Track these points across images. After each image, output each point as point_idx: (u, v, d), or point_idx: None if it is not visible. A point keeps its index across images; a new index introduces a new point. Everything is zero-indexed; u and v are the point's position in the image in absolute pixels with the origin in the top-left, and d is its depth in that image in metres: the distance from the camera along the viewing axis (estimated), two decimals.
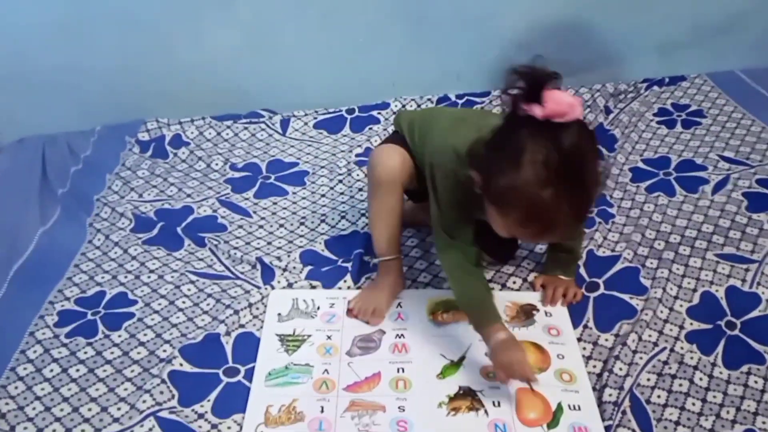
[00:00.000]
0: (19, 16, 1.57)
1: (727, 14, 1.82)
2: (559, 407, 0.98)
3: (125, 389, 1.03)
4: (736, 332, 1.09)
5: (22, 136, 1.66)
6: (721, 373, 1.03)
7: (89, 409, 1.01)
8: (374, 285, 1.19)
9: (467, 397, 1.00)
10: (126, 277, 1.25)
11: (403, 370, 1.05)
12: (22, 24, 1.58)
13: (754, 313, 1.12)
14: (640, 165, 1.52)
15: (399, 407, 0.99)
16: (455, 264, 1.09)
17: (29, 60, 1.63)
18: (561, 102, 0.85)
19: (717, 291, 1.17)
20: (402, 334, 1.12)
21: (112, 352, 1.10)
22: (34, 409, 1.01)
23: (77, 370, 1.07)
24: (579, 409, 0.98)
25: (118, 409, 1.00)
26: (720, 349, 1.07)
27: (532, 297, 1.18)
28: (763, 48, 1.88)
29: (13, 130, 1.67)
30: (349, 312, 1.16)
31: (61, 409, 1.01)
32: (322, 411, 0.99)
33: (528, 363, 1.00)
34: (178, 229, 1.35)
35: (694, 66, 1.86)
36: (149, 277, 1.24)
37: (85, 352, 1.10)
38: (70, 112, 1.70)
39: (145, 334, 1.13)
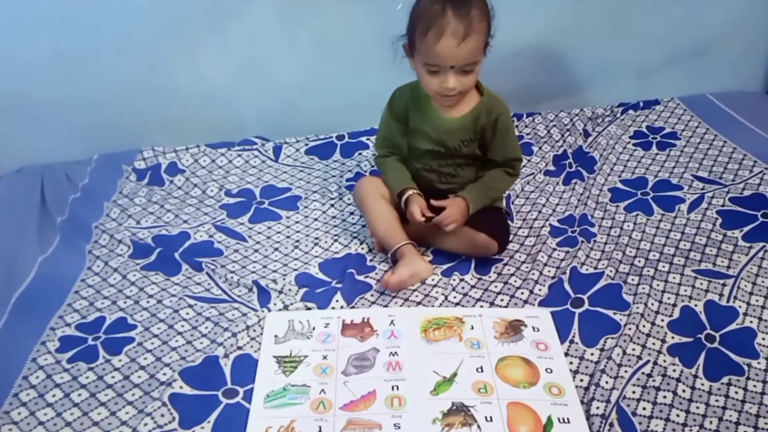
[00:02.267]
0: (18, 46, 1.57)
1: (699, 40, 1.87)
2: (549, 421, 0.99)
3: (126, 413, 1.03)
4: (716, 345, 1.11)
5: (20, 166, 1.65)
6: (702, 384, 1.04)
7: None
8: (401, 264, 1.25)
9: (460, 413, 1.01)
10: (125, 302, 1.24)
11: (397, 388, 1.05)
12: (21, 54, 1.57)
13: (732, 326, 1.14)
14: (619, 185, 1.54)
15: (395, 425, 0.99)
16: (382, 161, 1.37)
17: (27, 90, 1.63)
18: None
19: (696, 305, 1.19)
20: (396, 352, 1.12)
21: (113, 377, 1.09)
22: None
23: (79, 395, 1.06)
24: (568, 422, 0.99)
25: None
26: (701, 361, 1.08)
27: (520, 313, 1.19)
28: (731, 72, 1.94)
29: (11, 159, 1.66)
30: (388, 286, 1.22)
31: None
32: (320, 431, 0.98)
33: (415, 210, 1.27)
34: (176, 255, 1.35)
35: (667, 90, 1.91)
36: (148, 302, 1.24)
37: (87, 377, 1.09)
38: (67, 141, 1.69)
39: (145, 358, 1.12)
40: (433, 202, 1.29)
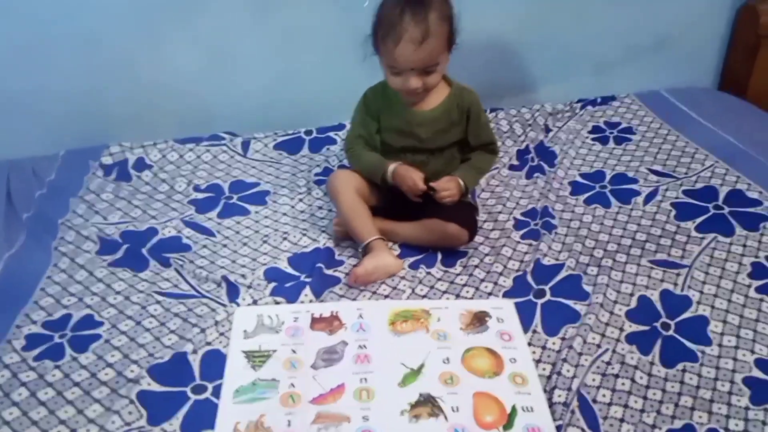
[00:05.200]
0: None
1: (653, 36, 1.88)
2: (514, 410, 0.98)
3: (94, 411, 0.99)
4: (671, 333, 1.11)
5: None
6: (659, 371, 1.05)
7: None
8: (370, 256, 1.23)
9: (428, 404, 0.99)
10: (92, 299, 1.19)
11: (366, 380, 1.03)
12: None
13: (686, 314, 1.15)
14: (578, 179, 1.54)
15: (363, 417, 0.97)
16: (356, 151, 1.34)
17: None
18: None
19: (652, 295, 1.19)
20: (364, 345, 1.10)
21: (80, 375, 1.04)
22: None
23: (46, 393, 1.01)
24: (532, 410, 0.98)
25: (88, 430, 0.96)
26: (657, 349, 1.08)
27: (485, 305, 1.18)
28: (684, 69, 1.95)
29: None
30: (356, 279, 1.20)
31: None
32: (289, 425, 0.96)
33: (413, 175, 1.25)
34: (143, 251, 1.31)
35: (624, 85, 1.91)
36: (115, 298, 1.19)
37: (53, 375, 1.04)
38: (34, 137, 1.63)
39: (112, 356, 1.08)
40: (431, 184, 1.27)
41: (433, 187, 1.26)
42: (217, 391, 1.01)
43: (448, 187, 1.26)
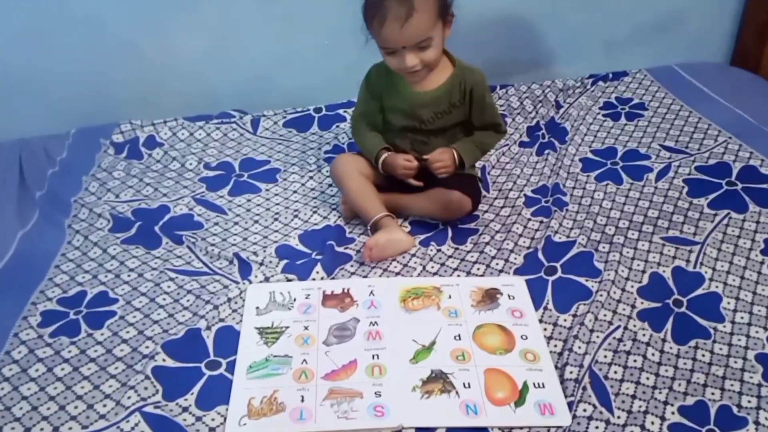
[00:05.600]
0: None
1: (665, 13, 1.84)
2: (525, 386, 0.98)
3: (110, 386, 0.99)
4: (683, 309, 1.11)
5: None
6: (671, 348, 1.04)
7: (75, 407, 0.96)
8: (382, 231, 1.22)
9: (439, 380, 0.99)
10: (106, 276, 1.20)
11: (377, 357, 1.03)
12: None
13: (699, 291, 1.14)
14: (590, 156, 1.52)
15: (375, 393, 0.97)
16: (359, 131, 1.34)
17: (2, 66, 1.55)
18: None
19: (664, 272, 1.18)
20: (375, 322, 1.10)
21: (95, 350, 1.05)
22: (20, 408, 0.96)
23: (62, 369, 1.02)
24: (543, 386, 0.98)
25: (104, 405, 0.96)
26: (669, 325, 1.08)
27: (496, 282, 1.18)
28: (696, 44, 1.92)
29: None
30: (370, 252, 1.19)
31: (48, 408, 0.96)
32: (303, 400, 0.96)
33: (400, 161, 1.25)
34: (156, 228, 1.30)
35: (635, 62, 1.88)
36: (129, 275, 1.20)
37: (69, 351, 1.05)
38: (44, 116, 1.63)
39: (127, 332, 1.08)
40: (424, 157, 1.26)
41: (426, 159, 1.24)
42: (230, 367, 1.02)
43: (441, 159, 1.25)
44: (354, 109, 1.38)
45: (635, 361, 1.02)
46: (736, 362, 1.01)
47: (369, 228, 1.26)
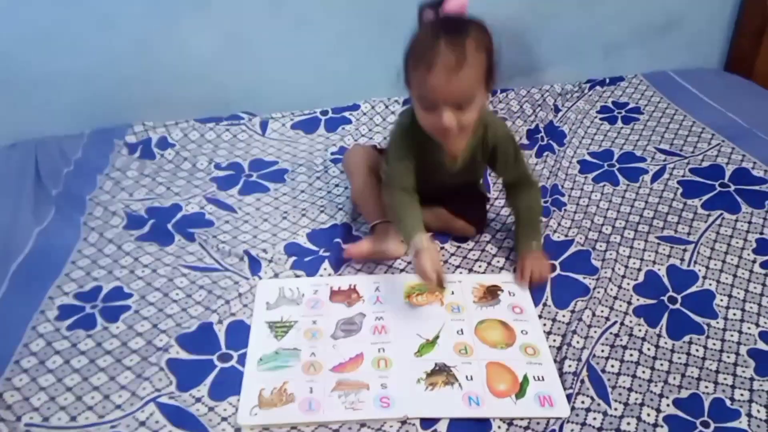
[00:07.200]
0: (6, 22, 1.50)
1: (661, 19, 1.85)
2: (525, 379, 0.99)
3: (126, 377, 1.01)
4: (678, 306, 1.12)
5: (14, 141, 1.59)
6: (666, 343, 1.05)
7: (92, 398, 0.97)
8: (371, 238, 1.22)
9: (443, 373, 1.01)
10: (121, 271, 1.21)
11: (383, 350, 1.05)
12: (10, 31, 1.51)
13: (693, 289, 1.15)
14: (587, 158, 1.53)
15: (381, 384, 0.99)
16: (395, 195, 1.17)
17: (19, 66, 1.56)
18: (452, 3, 1.02)
19: (659, 270, 1.19)
20: (381, 317, 1.11)
21: (111, 343, 1.06)
22: (39, 399, 0.97)
23: (79, 361, 1.03)
24: (543, 379, 0.99)
25: (120, 396, 0.98)
26: (664, 321, 1.09)
27: (497, 278, 1.19)
28: (692, 49, 1.92)
29: (5, 134, 1.59)
30: (349, 254, 1.19)
31: (65, 398, 0.97)
32: (311, 392, 0.97)
33: (428, 268, 1.05)
34: (169, 226, 1.32)
35: (631, 67, 1.89)
36: (143, 271, 1.21)
37: (86, 344, 1.06)
38: (59, 117, 1.63)
39: (142, 325, 1.09)
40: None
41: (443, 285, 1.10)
42: (242, 360, 1.03)
43: (535, 270, 1.16)
44: (387, 161, 1.20)
45: (631, 355, 1.03)
46: (729, 357, 1.02)
47: (369, 228, 1.27)
